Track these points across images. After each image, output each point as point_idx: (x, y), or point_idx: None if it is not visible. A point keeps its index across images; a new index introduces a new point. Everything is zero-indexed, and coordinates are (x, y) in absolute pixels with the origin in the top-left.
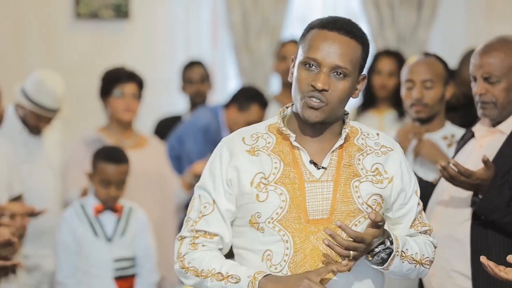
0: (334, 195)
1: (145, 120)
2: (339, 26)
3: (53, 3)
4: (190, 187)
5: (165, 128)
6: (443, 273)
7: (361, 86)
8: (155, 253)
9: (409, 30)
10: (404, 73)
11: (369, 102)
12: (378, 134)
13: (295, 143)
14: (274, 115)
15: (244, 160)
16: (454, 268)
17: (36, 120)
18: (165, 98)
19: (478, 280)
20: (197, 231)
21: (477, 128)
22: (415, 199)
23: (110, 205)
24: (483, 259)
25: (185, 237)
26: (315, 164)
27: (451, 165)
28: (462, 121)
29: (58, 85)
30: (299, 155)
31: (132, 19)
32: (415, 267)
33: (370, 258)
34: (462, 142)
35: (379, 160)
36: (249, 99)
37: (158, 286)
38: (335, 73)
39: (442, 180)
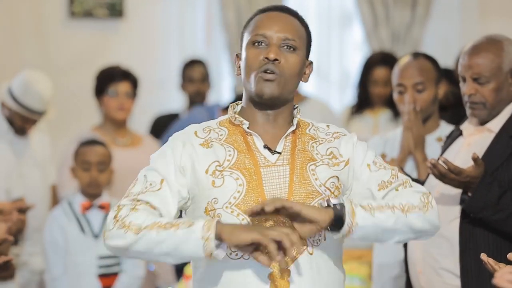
0: (291, 177)
1: (140, 119)
2: (281, 8)
3: (47, 2)
4: None
5: (162, 125)
6: (431, 271)
7: (309, 71)
8: None
9: (404, 28)
10: (395, 77)
11: (364, 102)
12: (328, 126)
13: (248, 130)
14: None
15: (198, 151)
16: (442, 266)
17: (21, 122)
18: (159, 96)
19: (466, 278)
20: (138, 200)
21: (465, 127)
22: (367, 171)
23: (94, 191)
24: (483, 256)
25: (124, 205)
26: (269, 149)
27: (440, 162)
28: (453, 120)
29: (45, 87)
30: (253, 141)
31: (126, 18)
32: (394, 212)
33: (332, 227)
34: (450, 140)
35: (333, 144)
36: None
37: (152, 284)
38: (285, 47)
39: (431, 177)
